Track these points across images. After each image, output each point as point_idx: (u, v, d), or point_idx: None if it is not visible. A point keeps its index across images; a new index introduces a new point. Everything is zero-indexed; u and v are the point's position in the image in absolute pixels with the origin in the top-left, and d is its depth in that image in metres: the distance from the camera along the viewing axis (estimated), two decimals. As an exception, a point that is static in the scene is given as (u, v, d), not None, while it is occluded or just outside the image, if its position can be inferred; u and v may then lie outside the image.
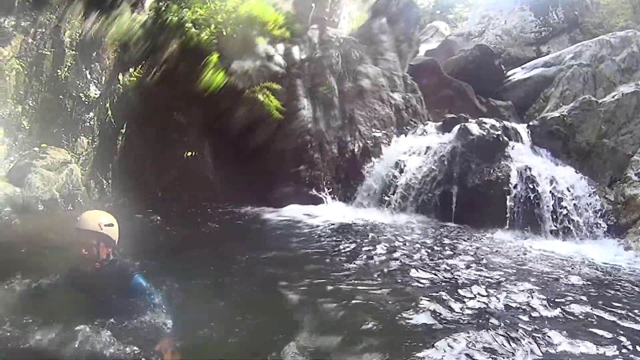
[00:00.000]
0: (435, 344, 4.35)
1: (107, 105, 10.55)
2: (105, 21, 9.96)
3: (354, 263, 7.11)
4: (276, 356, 4.02)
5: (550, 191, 10.85)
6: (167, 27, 11.32)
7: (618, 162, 11.89)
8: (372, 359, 4.17)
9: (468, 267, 7.18)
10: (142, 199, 10.47)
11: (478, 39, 24.99)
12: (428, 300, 5.39)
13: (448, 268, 7.05)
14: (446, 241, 9.05)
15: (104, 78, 10.34)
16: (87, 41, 9.86)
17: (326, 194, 12.05)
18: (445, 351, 4.26)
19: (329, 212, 11.15)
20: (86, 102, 9.96)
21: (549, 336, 4.67)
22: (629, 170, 11.47)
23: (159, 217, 9.32)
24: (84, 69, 9.95)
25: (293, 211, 11.10)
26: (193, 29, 11.51)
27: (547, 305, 5.52)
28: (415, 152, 12.47)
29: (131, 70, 10.99)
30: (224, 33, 12.05)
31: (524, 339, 4.55)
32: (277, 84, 12.33)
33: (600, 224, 10.51)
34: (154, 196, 11.20)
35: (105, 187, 10.49)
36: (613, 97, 13.16)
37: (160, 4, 11.32)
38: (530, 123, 13.55)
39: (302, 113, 12.38)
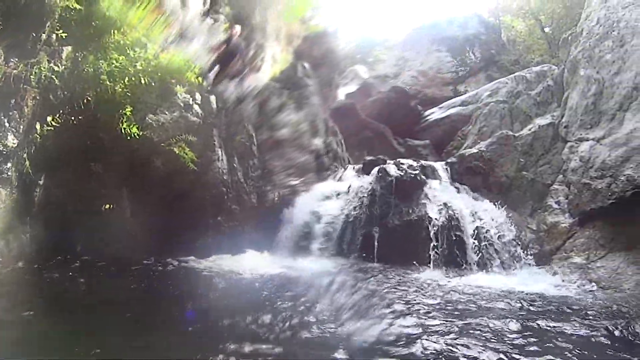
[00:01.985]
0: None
1: (25, 155, 10.17)
2: (23, 69, 9.70)
3: (276, 317, 6.89)
4: None
5: (472, 226, 11.10)
6: (84, 78, 11.12)
7: (538, 192, 12.28)
8: None
9: (389, 308, 7.09)
10: (62, 253, 10.05)
11: (394, 80, 25.47)
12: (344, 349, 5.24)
13: (371, 313, 6.96)
14: (370, 284, 8.96)
15: (22, 127, 9.98)
16: (5, 88, 9.52)
17: (248, 244, 11.82)
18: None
19: (252, 262, 10.90)
20: (4, 152, 9.52)
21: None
22: (549, 199, 11.87)
23: (77, 273, 9.01)
24: (2, 117, 9.56)
25: (217, 262, 10.86)
26: (108, 82, 11.32)
27: (477, 344, 5.49)
28: (335, 196, 12.49)
29: (49, 119, 10.67)
30: (142, 82, 11.88)
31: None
32: (194, 135, 12.18)
33: (524, 254, 10.80)
34: (74, 250, 10.74)
35: (24, 241, 9.99)
36: (530, 129, 13.63)
37: (76, 54, 11.12)
38: (449, 160, 13.86)
39: (217, 165, 12.20)
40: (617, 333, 6.06)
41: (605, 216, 10.74)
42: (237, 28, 13.53)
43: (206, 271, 10.11)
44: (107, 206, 11.57)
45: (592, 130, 11.86)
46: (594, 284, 9.39)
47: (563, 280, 9.48)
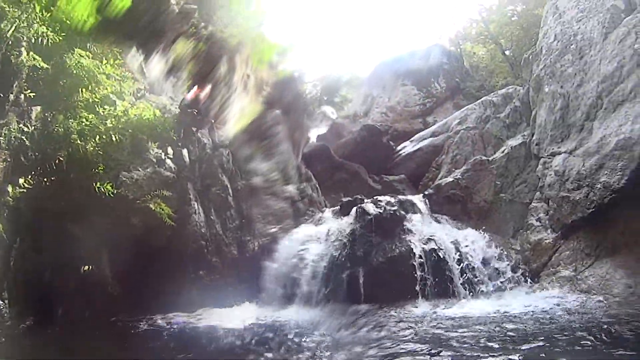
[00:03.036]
0: None
1: None
2: None
3: None
4: None
5: (456, 255, 11.18)
6: (54, 138, 11.02)
7: (518, 213, 12.41)
8: None
9: (381, 347, 6.99)
10: (42, 318, 9.82)
11: (364, 119, 25.69)
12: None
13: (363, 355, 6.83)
14: (359, 326, 8.91)
15: None
16: None
17: (232, 296, 11.67)
18: None
19: (237, 314, 10.75)
20: None
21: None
22: (530, 217, 12.00)
23: (59, 338, 8.92)
24: None
25: (204, 315, 10.67)
26: (78, 141, 11.22)
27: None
28: (315, 240, 12.40)
29: (21, 181, 10.49)
30: (113, 139, 11.79)
31: None
32: (168, 190, 12.09)
33: (511, 275, 10.88)
34: (54, 314, 10.41)
35: (1, 307, 9.71)
36: (503, 152, 13.81)
37: (46, 114, 11.03)
38: (426, 192, 13.94)
39: (194, 218, 12.10)
40: (615, 334, 6.11)
41: (587, 225, 10.90)
42: (200, 90, 13.54)
43: (189, 327, 9.91)
44: (87, 268, 11.38)
45: (563, 144, 12.06)
46: (584, 293, 9.53)
47: (553, 296, 9.54)
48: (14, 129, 10.12)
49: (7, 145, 9.97)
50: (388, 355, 6.73)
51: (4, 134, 9.89)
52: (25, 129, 10.50)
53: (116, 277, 11.70)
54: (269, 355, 7.87)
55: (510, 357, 5.97)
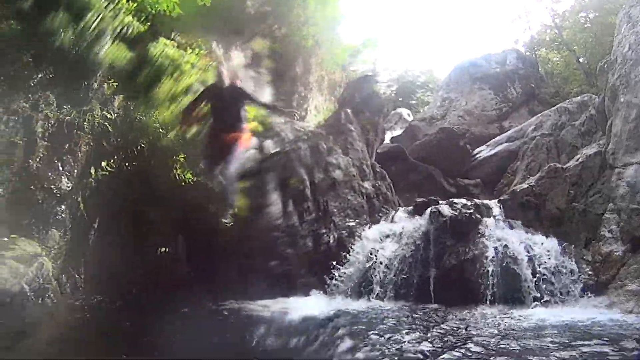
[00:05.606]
0: None
1: (79, 198, 10.42)
2: (76, 115, 10.04)
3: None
4: None
5: (528, 261, 10.97)
6: (136, 126, 11.44)
7: (590, 223, 12.04)
8: None
9: (453, 348, 7.05)
10: (115, 297, 10.20)
11: (441, 122, 25.58)
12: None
13: (433, 352, 6.91)
14: (430, 324, 8.81)
15: (76, 171, 10.22)
16: (59, 133, 9.82)
17: (303, 287, 11.87)
18: None
19: (308, 304, 10.88)
20: (58, 195, 9.73)
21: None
22: (602, 228, 11.66)
23: (130, 319, 9.03)
24: (56, 161, 9.81)
25: (274, 304, 10.77)
26: (160, 130, 11.62)
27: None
28: (389, 238, 12.54)
29: (104, 164, 10.94)
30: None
31: None
32: (247, 181, 12.39)
33: (581, 286, 10.59)
34: (129, 294, 10.81)
35: (77, 282, 10.16)
36: (577, 160, 13.50)
37: (128, 103, 11.46)
38: (501, 197, 13.79)
39: (271, 209, 12.35)
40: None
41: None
42: None
43: (260, 314, 10.03)
44: (163, 249, 11.77)
45: (637, 154, 11.76)
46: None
47: (620, 310, 9.37)
48: (97, 115, 10.59)
49: (90, 130, 10.45)
50: (457, 356, 6.76)
51: (88, 119, 10.36)
52: (108, 116, 10.95)
53: (189, 262, 12.12)
54: (343, 343, 7.79)
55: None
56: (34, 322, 8.07)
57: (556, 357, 6.35)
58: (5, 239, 8.89)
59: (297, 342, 7.94)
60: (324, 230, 12.89)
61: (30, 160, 9.40)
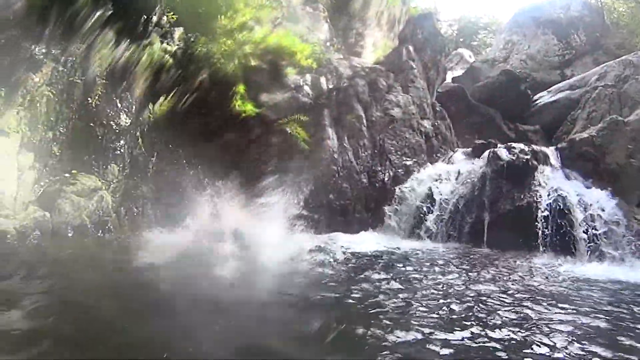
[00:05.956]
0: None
1: (138, 133, 10.69)
2: (135, 50, 10.20)
3: (393, 294, 6.88)
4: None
5: (582, 214, 10.81)
6: (196, 58, 11.57)
7: (645, 181, 11.81)
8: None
9: (503, 292, 7.07)
10: (173, 226, 10.24)
11: (503, 64, 25.00)
12: (460, 329, 5.26)
13: (482, 294, 6.92)
14: (479, 267, 8.78)
15: (134, 107, 10.47)
16: (117, 70, 10.04)
17: (358, 222, 12.03)
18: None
19: (362, 240, 10.91)
20: (117, 130, 10.08)
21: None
22: None
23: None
24: (114, 98, 10.10)
25: (331, 238, 10.78)
26: (220, 61, 11.73)
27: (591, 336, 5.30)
28: (445, 179, 12.51)
29: (162, 99, 11.14)
30: (252, 64, 12.25)
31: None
32: (305, 115, 12.47)
33: (632, 245, 10.46)
34: (185, 229, 10.88)
35: (136, 215, 10.54)
36: (637, 115, 13.14)
37: (188, 35, 11.57)
38: (559, 146, 13.50)
39: (328, 143, 12.44)
40: None
41: None
42: None
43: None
44: (220, 182, 11.99)
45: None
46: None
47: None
48: (157, 48, 10.72)
49: (149, 63, 10.61)
50: (506, 303, 6.71)
51: (148, 53, 10.51)
52: (169, 48, 11.08)
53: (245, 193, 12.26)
54: (395, 279, 7.70)
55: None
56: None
57: (605, 310, 6.25)
58: (66, 175, 9.30)
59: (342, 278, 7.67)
60: (380, 168, 12.90)
61: (89, 98, 9.69)
